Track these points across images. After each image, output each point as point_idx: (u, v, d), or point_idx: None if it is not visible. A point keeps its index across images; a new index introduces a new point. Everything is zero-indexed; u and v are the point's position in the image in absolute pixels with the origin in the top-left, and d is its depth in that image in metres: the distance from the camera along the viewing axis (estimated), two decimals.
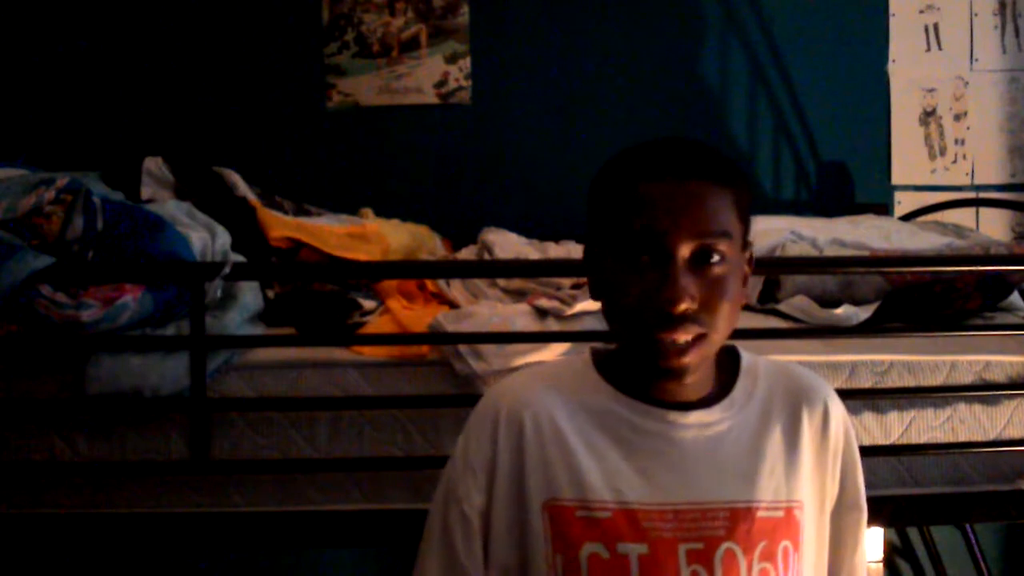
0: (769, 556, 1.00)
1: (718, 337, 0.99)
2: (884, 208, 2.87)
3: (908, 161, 3.00)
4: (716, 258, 0.96)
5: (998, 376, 1.75)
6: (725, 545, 0.99)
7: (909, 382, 1.73)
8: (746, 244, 1.03)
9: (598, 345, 1.12)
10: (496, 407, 1.06)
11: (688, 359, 0.97)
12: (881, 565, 2.55)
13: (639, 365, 1.02)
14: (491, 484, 1.04)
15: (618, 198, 0.98)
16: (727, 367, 1.08)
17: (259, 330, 1.76)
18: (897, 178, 3.00)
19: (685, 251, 0.95)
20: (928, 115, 2.99)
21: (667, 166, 0.97)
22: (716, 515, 1.00)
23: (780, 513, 1.02)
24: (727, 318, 0.98)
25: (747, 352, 1.11)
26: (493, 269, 2.06)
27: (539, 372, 1.14)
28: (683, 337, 0.96)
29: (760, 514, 1.01)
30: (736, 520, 1.00)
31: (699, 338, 0.97)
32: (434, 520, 1.07)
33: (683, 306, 0.94)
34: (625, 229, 0.97)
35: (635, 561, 0.98)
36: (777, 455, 1.04)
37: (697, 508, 1.00)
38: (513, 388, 1.09)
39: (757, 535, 1.00)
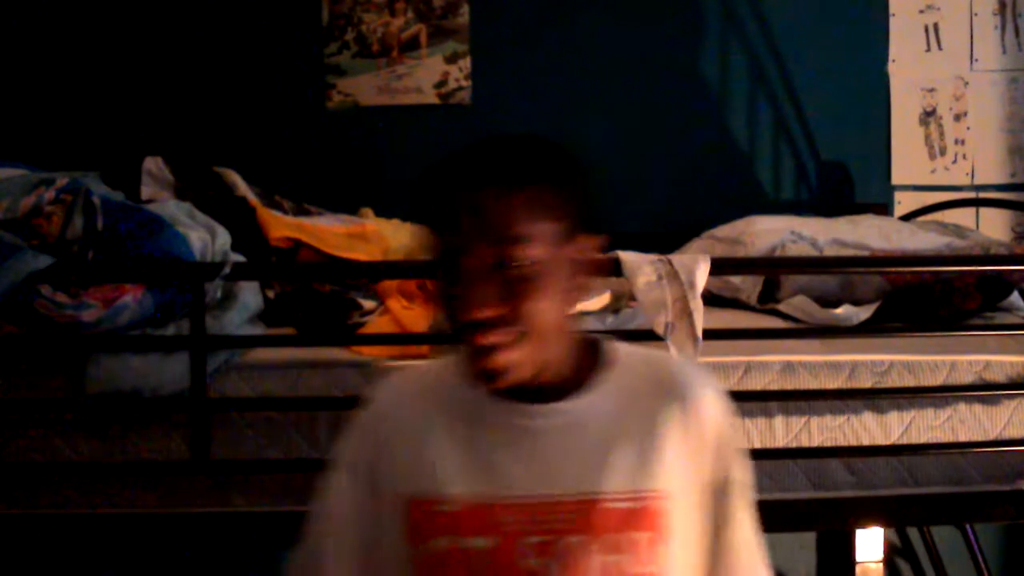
0: (622, 547, 1.01)
1: (543, 333, 0.98)
2: (884, 208, 2.86)
3: (908, 161, 2.99)
4: (516, 263, 0.96)
5: (998, 376, 1.75)
6: (572, 537, 1.00)
7: (909, 382, 1.73)
8: (576, 233, 1.01)
9: None
10: (363, 406, 1.13)
11: (504, 358, 0.97)
12: (881, 565, 2.55)
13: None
14: (353, 480, 1.09)
15: (423, 213, 1.02)
16: (589, 359, 1.08)
17: (259, 330, 1.76)
18: (897, 178, 3.00)
19: (478, 260, 0.96)
20: (928, 115, 2.99)
21: (457, 178, 0.99)
22: (564, 507, 1.01)
23: (635, 504, 1.02)
24: (547, 314, 0.98)
25: (612, 342, 1.11)
26: None
27: (408, 372, 1.18)
28: (492, 339, 0.97)
29: (610, 505, 1.01)
30: (585, 512, 1.01)
31: (516, 337, 0.97)
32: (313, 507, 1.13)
33: (479, 314, 0.96)
34: (432, 242, 1.01)
35: (481, 554, 1.01)
36: (635, 446, 1.04)
37: (545, 501, 1.02)
38: (380, 388, 1.15)
39: (607, 526, 1.01)
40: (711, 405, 1.07)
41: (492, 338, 0.96)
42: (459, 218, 0.97)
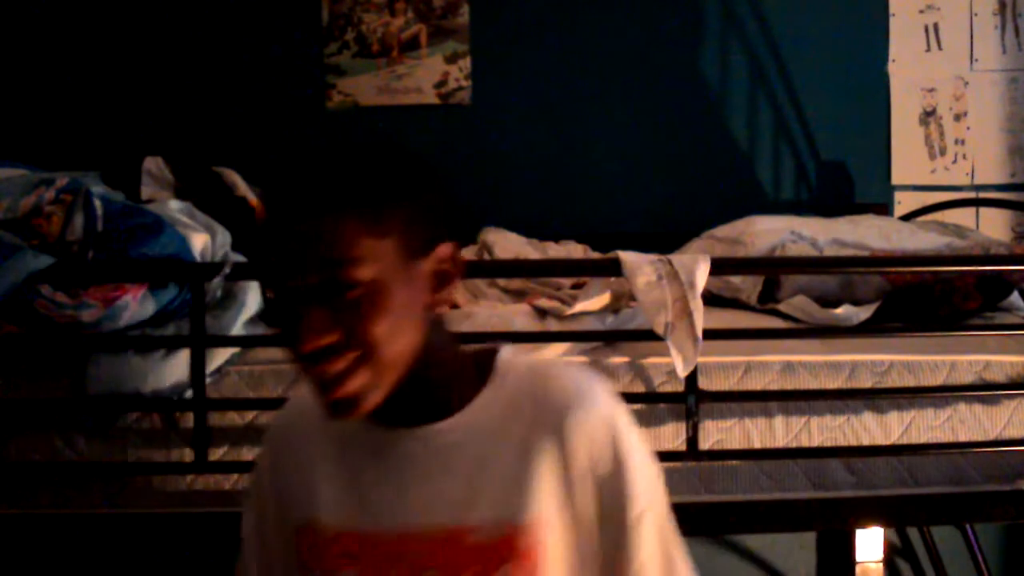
0: None
1: (390, 355, 0.91)
2: (884, 208, 2.86)
3: (908, 161, 2.99)
4: (346, 287, 0.89)
5: (998, 376, 1.75)
6: (430, 573, 0.95)
7: (909, 382, 1.73)
8: (430, 245, 0.94)
9: None
10: (265, 433, 1.11)
11: (349, 386, 0.90)
12: (881, 565, 2.56)
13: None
14: (261, 506, 1.06)
15: (254, 247, 0.98)
16: (475, 372, 1.00)
17: (259, 330, 1.76)
18: (897, 178, 3.00)
19: (305, 287, 0.89)
20: (928, 115, 2.99)
21: (274, 211, 0.92)
22: (426, 540, 0.95)
23: (501, 535, 0.94)
24: (393, 335, 0.90)
25: (506, 353, 1.02)
26: (493, 269, 2.06)
27: (303, 396, 1.09)
28: (333, 368, 0.90)
29: (472, 538, 0.94)
30: (444, 545, 0.95)
31: (357, 361, 0.90)
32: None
33: (316, 341, 0.88)
34: (264, 268, 0.94)
35: None
36: (507, 471, 0.95)
37: (409, 532, 0.96)
38: (277, 415, 1.12)
39: (467, 561, 0.94)
40: (595, 427, 0.96)
41: (332, 367, 0.89)
42: (282, 243, 0.90)
